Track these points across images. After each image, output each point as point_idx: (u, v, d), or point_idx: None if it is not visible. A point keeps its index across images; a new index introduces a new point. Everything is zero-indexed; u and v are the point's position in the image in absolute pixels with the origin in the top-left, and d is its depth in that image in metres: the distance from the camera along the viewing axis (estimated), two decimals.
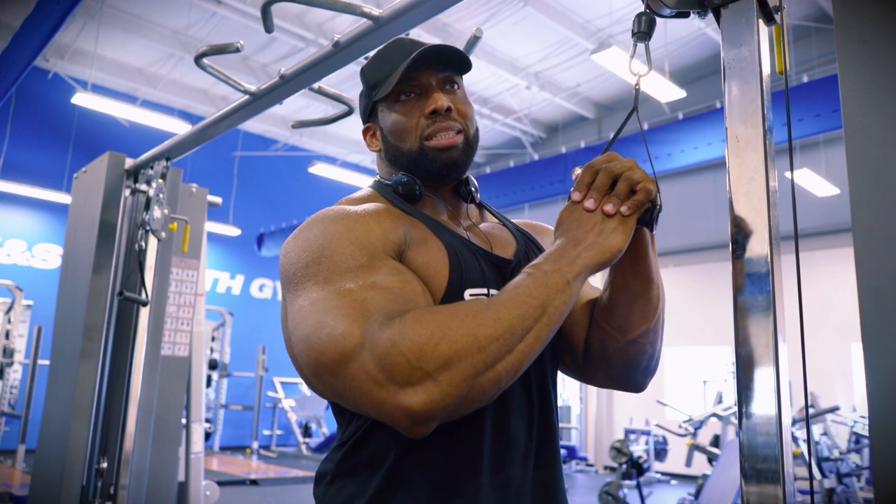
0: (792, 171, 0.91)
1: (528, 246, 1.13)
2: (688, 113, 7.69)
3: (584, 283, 0.87)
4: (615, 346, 1.04)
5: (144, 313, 2.62)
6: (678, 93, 7.15)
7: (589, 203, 0.89)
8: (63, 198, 9.08)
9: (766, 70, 0.93)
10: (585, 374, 1.12)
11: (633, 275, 0.99)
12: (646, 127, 7.23)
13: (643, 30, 1.01)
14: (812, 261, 8.43)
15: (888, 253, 0.72)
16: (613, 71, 7.05)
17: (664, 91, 7.18)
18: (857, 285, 0.73)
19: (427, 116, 1.04)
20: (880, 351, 0.71)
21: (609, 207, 0.88)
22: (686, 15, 1.02)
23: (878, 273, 0.72)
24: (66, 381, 2.55)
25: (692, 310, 9.16)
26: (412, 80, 1.05)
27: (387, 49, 1.10)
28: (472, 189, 1.13)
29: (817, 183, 7.89)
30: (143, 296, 2.52)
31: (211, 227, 10.20)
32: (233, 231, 11.29)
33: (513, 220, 1.23)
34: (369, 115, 1.14)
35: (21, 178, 9.32)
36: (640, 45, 1.02)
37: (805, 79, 6.78)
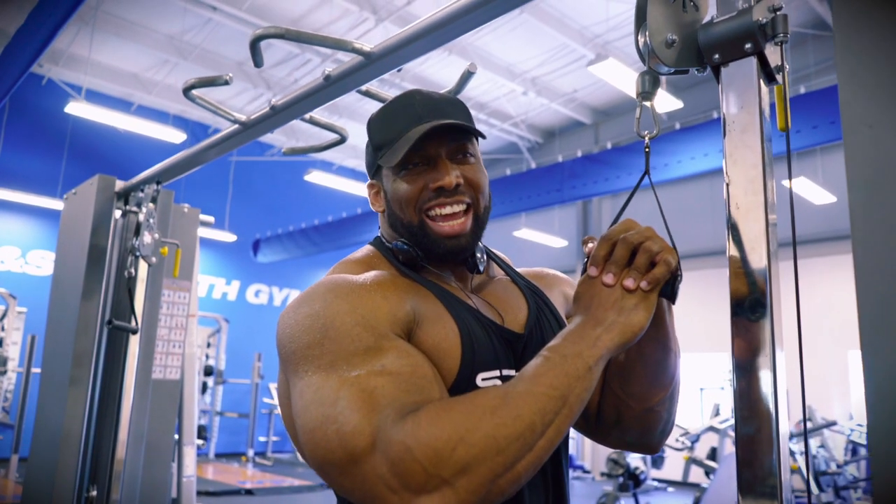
0: (794, 231, 0.88)
1: (540, 309, 1.07)
2: (685, 123, 7.68)
3: (604, 365, 0.82)
4: (631, 413, 1.01)
5: (135, 339, 2.58)
6: (675, 103, 7.13)
7: (608, 278, 0.85)
8: (57, 204, 9.04)
9: (768, 132, 0.91)
10: (598, 437, 1.09)
11: (651, 342, 0.95)
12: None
13: (647, 90, 0.98)
14: (808, 268, 8.43)
15: (887, 259, 0.70)
16: (610, 82, 7.04)
17: (660, 102, 7.16)
18: (857, 292, 0.71)
19: (432, 191, 0.97)
20: (879, 357, 0.69)
21: (629, 283, 0.84)
22: (685, 72, 1.00)
23: (877, 280, 0.70)
24: (55, 409, 2.50)
25: (689, 316, 9.13)
26: (419, 150, 0.97)
27: (394, 107, 1.02)
28: (479, 257, 1.05)
29: (814, 191, 7.89)
30: (133, 323, 2.48)
31: (206, 232, 10.17)
32: (228, 237, 11.25)
33: (520, 270, 1.17)
34: (374, 173, 1.07)
35: (14, 185, 9.28)
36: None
37: (802, 90, 6.77)
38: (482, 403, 0.75)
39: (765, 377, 0.81)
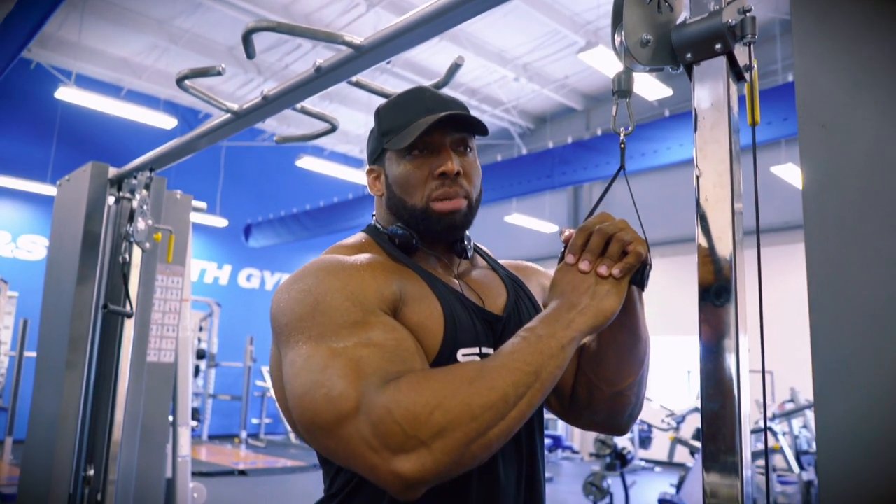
0: (759, 245, 0.93)
1: (519, 296, 1.13)
2: (674, 110, 7.73)
3: (577, 346, 0.88)
4: (601, 396, 1.07)
5: (130, 323, 2.62)
6: (664, 90, 7.17)
7: (583, 265, 0.91)
8: (47, 189, 9.01)
9: (736, 127, 0.95)
10: (570, 418, 1.15)
11: (622, 329, 1.01)
12: (635, 121, 7.25)
13: (623, 88, 1.02)
14: (795, 253, 8.50)
15: (838, 258, 0.74)
16: (600, 69, 7.07)
17: (650, 89, 7.21)
18: (808, 289, 0.74)
19: (436, 177, 1.05)
20: (827, 351, 0.74)
21: (602, 270, 0.90)
22: (660, 69, 1.04)
23: (827, 278, 0.74)
24: (52, 392, 2.55)
25: (677, 300, 9.24)
26: (426, 136, 1.05)
27: (405, 97, 1.10)
28: (466, 244, 1.13)
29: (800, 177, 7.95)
30: (128, 308, 2.52)
31: (197, 217, 10.17)
32: (220, 222, 11.25)
33: (502, 262, 1.24)
34: (376, 159, 1.14)
35: (4, 170, 9.24)
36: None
37: (790, 77, 6.81)
38: (460, 374, 0.81)
39: (729, 359, 0.86)
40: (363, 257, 1.00)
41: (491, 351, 1.01)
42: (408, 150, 1.06)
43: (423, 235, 1.07)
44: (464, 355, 0.97)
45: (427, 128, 1.02)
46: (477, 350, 0.99)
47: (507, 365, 0.81)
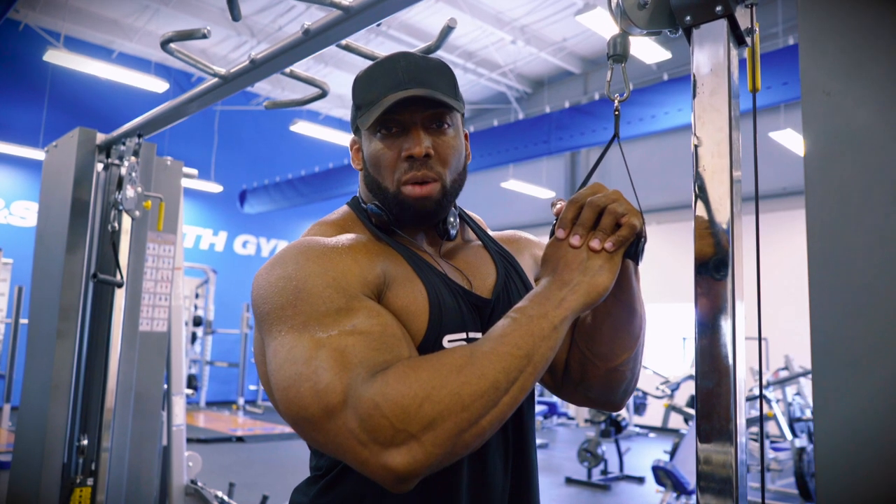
0: (757, 218, 0.90)
1: (509, 275, 1.08)
2: (673, 74, 7.62)
3: (570, 325, 0.84)
4: (596, 372, 1.04)
5: (121, 292, 2.60)
6: (663, 54, 7.07)
7: (574, 240, 0.87)
8: (39, 155, 8.90)
9: (736, 94, 0.92)
10: (564, 394, 1.12)
11: (617, 304, 0.97)
12: (631, 87, 7.16)
13: (618, 52, 0.99)
14: (793, 220, 8.50)
15: (839, 229, 0.72)
16: (599, 32, 6.95)
17: (648, 53, 7.10)
18: (808, 260, 0.73)
19: (404, 160, 0.97)
20: (826, 321, 0.73)
21: (595, 244, 0.86)
22: (658, 33, 1.00)
23: (828, 249, 0.73)
24: (44, 363, 2.53)
25: (674, 267, 9.26)
26: (395, 114, 0.97)
27: (379, 69, 1.00)
28: (450, 227, 1.05)
29: (801, 143, 7.90)
30: (118, 277, 2.49)
31: (192, 183, 10.09)
32: (214, 187, 11.17)
33: (493, 234, 1.18)
34: (355, 130, 1.07)
35: None
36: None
37: (791, 41, 6.71)
38: (448, 362, 0.77)
39: (725, 335, 0.84)
40: (345, 238, 0.95)
41: (479, 336, 0.97)
42: (376, 129, 0.99)
43: (398, 218, 1.01)
44: (450, 341, 0.94)
45: (394, 106, 0.95)
46: (464, 335, 0.96)
47: (496, 350, 0.78)
